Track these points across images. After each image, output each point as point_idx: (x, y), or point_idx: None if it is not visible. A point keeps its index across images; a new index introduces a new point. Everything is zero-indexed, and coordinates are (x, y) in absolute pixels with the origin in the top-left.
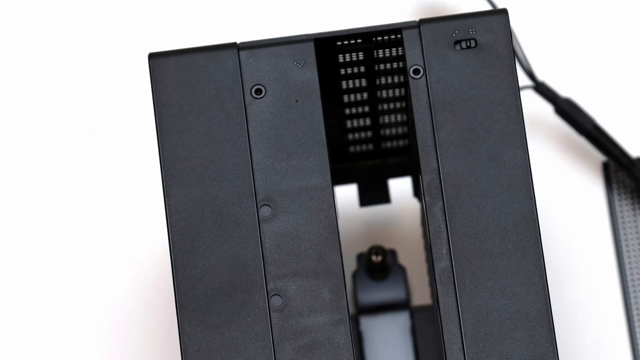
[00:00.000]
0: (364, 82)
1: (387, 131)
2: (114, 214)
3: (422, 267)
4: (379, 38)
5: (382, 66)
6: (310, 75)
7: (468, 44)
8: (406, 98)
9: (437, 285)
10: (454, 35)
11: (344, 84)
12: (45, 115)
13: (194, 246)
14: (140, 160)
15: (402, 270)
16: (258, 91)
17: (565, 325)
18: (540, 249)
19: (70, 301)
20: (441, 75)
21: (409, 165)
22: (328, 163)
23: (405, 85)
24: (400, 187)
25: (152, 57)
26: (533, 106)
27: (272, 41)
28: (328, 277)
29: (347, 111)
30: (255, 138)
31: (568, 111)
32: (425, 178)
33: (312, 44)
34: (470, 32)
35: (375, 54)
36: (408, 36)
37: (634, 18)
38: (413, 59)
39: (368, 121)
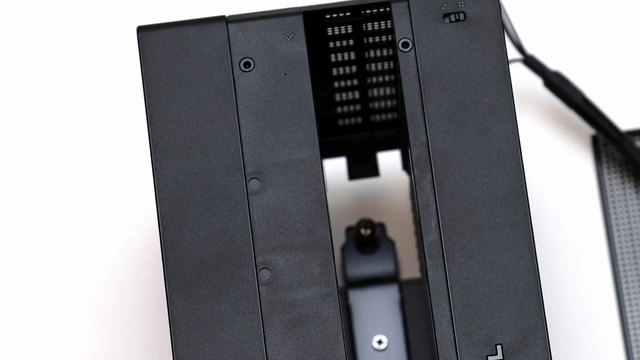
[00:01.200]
0: (353, 56)
1: (376, 104)
2: (102, 188)
3: (411, 240)
4: (368, 11)
5: (371, 39)
6: (299, 48)
7: (457, 17)
8: (395, 71)
9: (426, 258)
10: (442, 8)
11: (332, 57)
12: (34, 89)
13: (183, 219)
14: (129, 134)
15: (391, 243)
16: (247, 64)
17: (555, 298)
18: (529, 222)
19: (58, 275)
20: (430, 49)
21: (398, 139)
22: (317, 136)
23: (394, 58)
24: (389, 160)
25: (141, 30)
26: (522, 79)
27: (261, 14)
28: (317, 251)
29: (336, 84)
30: (244, 111)
31: (557, 84)
32: (414, 151)
33: (300, 17)
34: (460, 5)
35: (364, 27)
36: (397, 9)
37: None
38: (402, 32)
39: (357, 94)
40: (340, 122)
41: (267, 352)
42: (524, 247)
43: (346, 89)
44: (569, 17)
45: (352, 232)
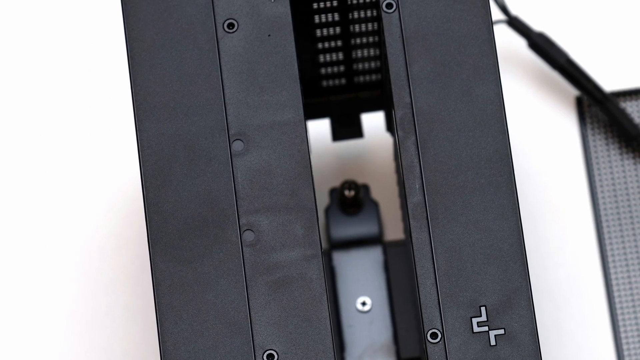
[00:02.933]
0: (336, 17)
1: (360, 66)
2: (85, 149)
3: (395, 201)
4: None
5: (354, 0)
6: (282, 9)
7: None
8: (379, 32)
9: (410, 220)
10: None
11: (316, 18)
12: (18, 49)
13: (166, 181)
14: (112, 95)
15: (375, 205)
16: (230, 25)
17: (539, 260)
18: (513, 184)
19: (42, 237)
20: (414, 9)
21: (381, 100)
22: (300, 98)
23: (378, 19)
24: (373, 121)
25: None
26: (506, 40)
27: None
28: (300, 212)
29: (320, 46)
30: (227, 73)
31: (541, 45)
32: (398, 112)
33: None
34: None
35: None
36: None
37: None
38: None
39: (341, 56)
40: (324, 83)
41: (251, 313)
42: (508, 209)
43: (330, 50)
44: None
45: (336, 194)
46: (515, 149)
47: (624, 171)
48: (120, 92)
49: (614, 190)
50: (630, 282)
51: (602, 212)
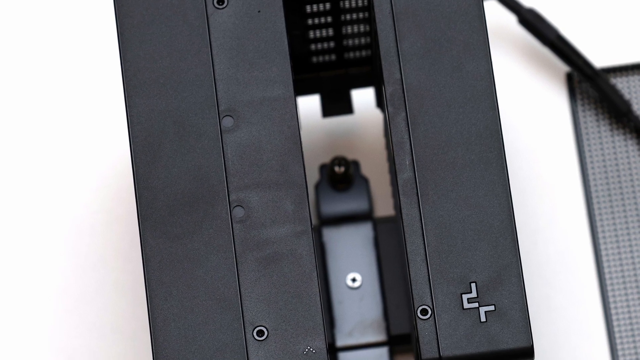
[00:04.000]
0: None
1: (350, 42)
2: (75, 125)
3: (385, 178)
4: None
5: None
6: None
7: None
8: (369, 8)
9: (400, 196)
10: None
11: None
12: (8, 25)
13: (156, 157)
14: (102, 71)
15: (365, 181)
16: (220, 1)
17: (529, 236)
18: (503, 160)
19: (31, 213)
20: None
21: (372, 76)
22: (290, 73)
23: None
24: (363, 97)
25: None
26: (496, 16)
27: None
28: (290, 188)
29: (310, 21)
30: (217, 48)
31: (531, 21)
32: (388, 89)
33: None
34: None
35: None
36: None
37: None
38: None
39: (331, 32)
40: (314, 59)
41: (241, 289)
42: (499, 185)
43: (320, 26)
44: None
45: (326, 170)
46: (506, 125)
47: (614, 147)
48: (110, 68)
49: (604, 166)
50: (620, 257)
51: (592, 188)
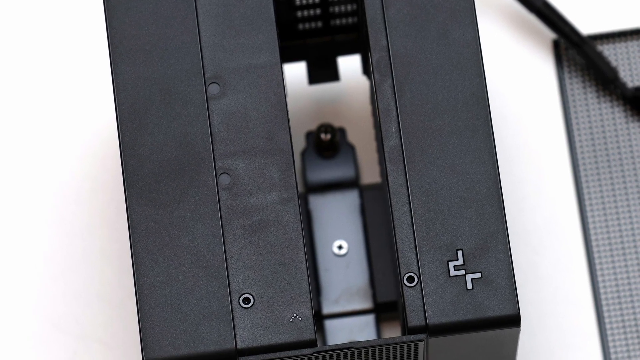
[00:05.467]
0: None
1: (337, 8)
2: (61, 93)
3: (372, 145)
4: None
5: None
6: None
7: None
8: None
9: (387, 163)
10: None
11: None
12: None
13: (142, 124)
14: (88, 38)
15: (352, 148)
16: None
17: (516, 204)
18: (490, 127)
19: (17, 180)
20: None
21: (358, 43)
22: (277, 40)
23: None
24: (349, 64)
25: None
26: None
27: None
28: (277, 156)
29: None
30: (203, 15)
31: None
32: (375, 55)
33: None
34: None
35: None
36: None
37: None
38: None
39: None
40: (300, 26)
41: (227, 257)
42: (485, 152)
43: None
44: None
45: (312, 137)
46: (492, 92)
47: (600, 114)
48: (96, 36)
49: (591, 133)
50: (607, 225)
51: (579, 155)
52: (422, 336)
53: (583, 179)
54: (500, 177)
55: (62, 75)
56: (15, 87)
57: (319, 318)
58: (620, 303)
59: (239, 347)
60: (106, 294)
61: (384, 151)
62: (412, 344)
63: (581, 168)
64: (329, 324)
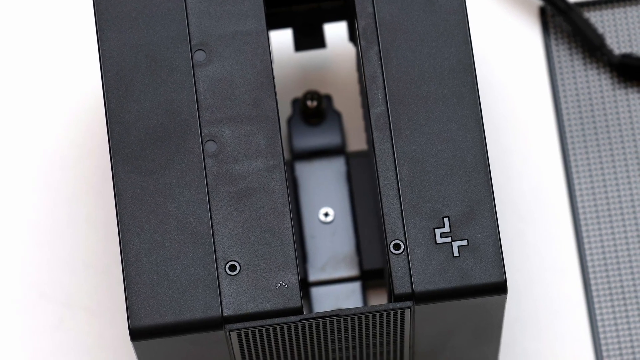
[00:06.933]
0: None
1: None
2: (47, 60)
3: (358, 112)
4: None
5: None
6: None
7: None
8: None
9: (373, 130)
10: None
11: None
12: None
13: (128, 91)
14: (74, 5)
15: (338, 115)
16: None
17: (502, 171)
18: (476, 94)
19: (2, 146)
20: None
21: (344, 10)
22: (263, 7)
23: None
24: (335, 31)
25: None
26: None
27: None
28: (263, 123)
29: None
30: None
31: None
32: (361, 22)
33: None
34: None
35: None
36: None
37: None
38: None
39: None
40: None
41: (213, 224)
42: (472, 119)
43: None
44: None
45: (299, 104)
46: (479, 60)
47: (587, 81)
48: (81, 2)
49: (578, 100)
50: (594, 192)
51: (566, 122)
52: (408, 304)
53: (570, 147)
54: (486, 144)
55: (48, 42)
56: (0, 54)
57: (305, 285)
58: (607, 270)
59: (225, 314)
60: (92, 261)
61: (370, 118)
62: (399, 312)
63: (568, 135)
64: (315, 291)
